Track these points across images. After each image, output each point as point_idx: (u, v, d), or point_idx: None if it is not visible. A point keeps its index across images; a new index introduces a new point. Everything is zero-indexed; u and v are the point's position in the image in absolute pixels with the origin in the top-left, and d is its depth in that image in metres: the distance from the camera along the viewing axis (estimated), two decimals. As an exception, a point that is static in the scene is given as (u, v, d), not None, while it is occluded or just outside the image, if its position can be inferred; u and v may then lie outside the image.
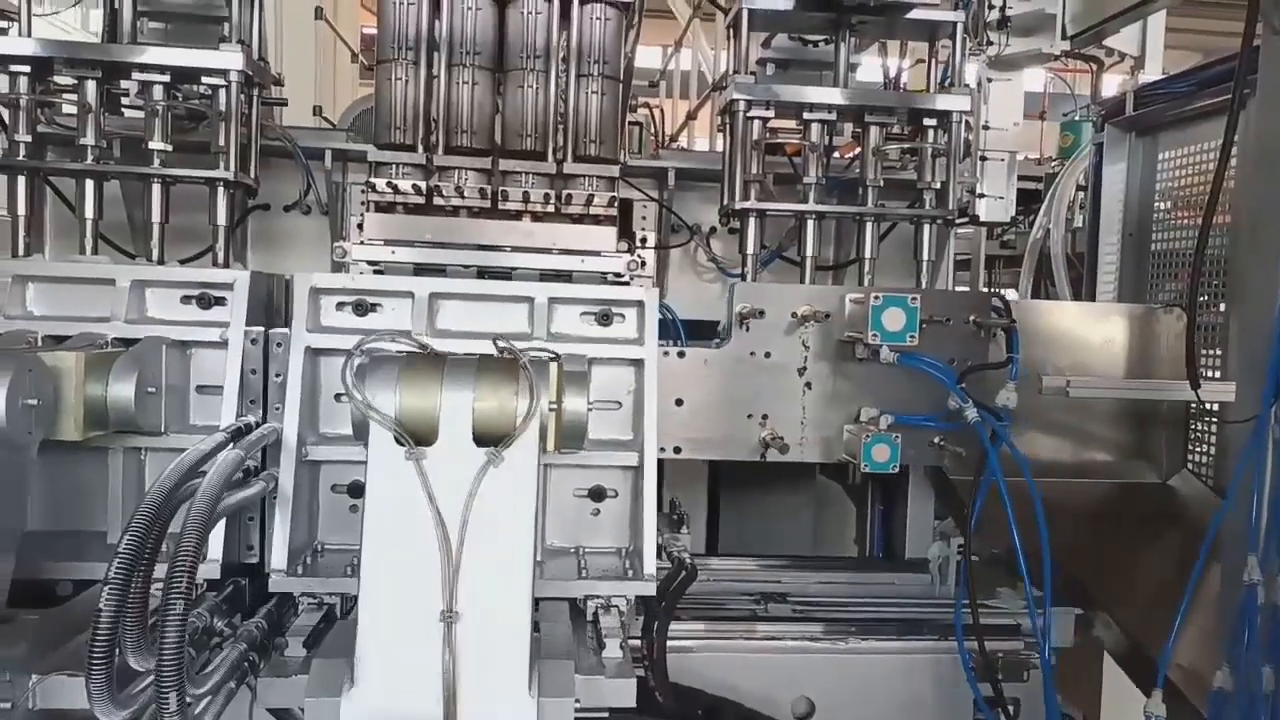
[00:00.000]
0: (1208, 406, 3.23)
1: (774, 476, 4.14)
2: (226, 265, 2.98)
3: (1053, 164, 6.61)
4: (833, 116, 3.16)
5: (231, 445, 2.28)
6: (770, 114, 3.12)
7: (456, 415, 2.15)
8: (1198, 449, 3.76)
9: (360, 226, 3.16)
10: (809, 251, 3.21)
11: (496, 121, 3.05)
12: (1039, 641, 2.80)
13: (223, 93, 2.92)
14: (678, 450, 3.00)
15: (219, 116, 2.93)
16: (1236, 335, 2.21)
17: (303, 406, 2.58)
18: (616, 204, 3.05)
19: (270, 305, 2.95)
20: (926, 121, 3.19)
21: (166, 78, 2.90)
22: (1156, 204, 4.24)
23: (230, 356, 2.62)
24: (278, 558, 2.48)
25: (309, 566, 2.57)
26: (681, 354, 3.02)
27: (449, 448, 2.14)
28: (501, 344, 2.33)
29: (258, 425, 2.58)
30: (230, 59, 2.90)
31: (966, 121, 3.50)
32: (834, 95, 3.15)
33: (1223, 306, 3.53)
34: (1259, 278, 2.12)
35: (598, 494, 2.79)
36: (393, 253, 2.91)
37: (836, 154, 3.43)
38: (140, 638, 1.82)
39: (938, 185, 3.24)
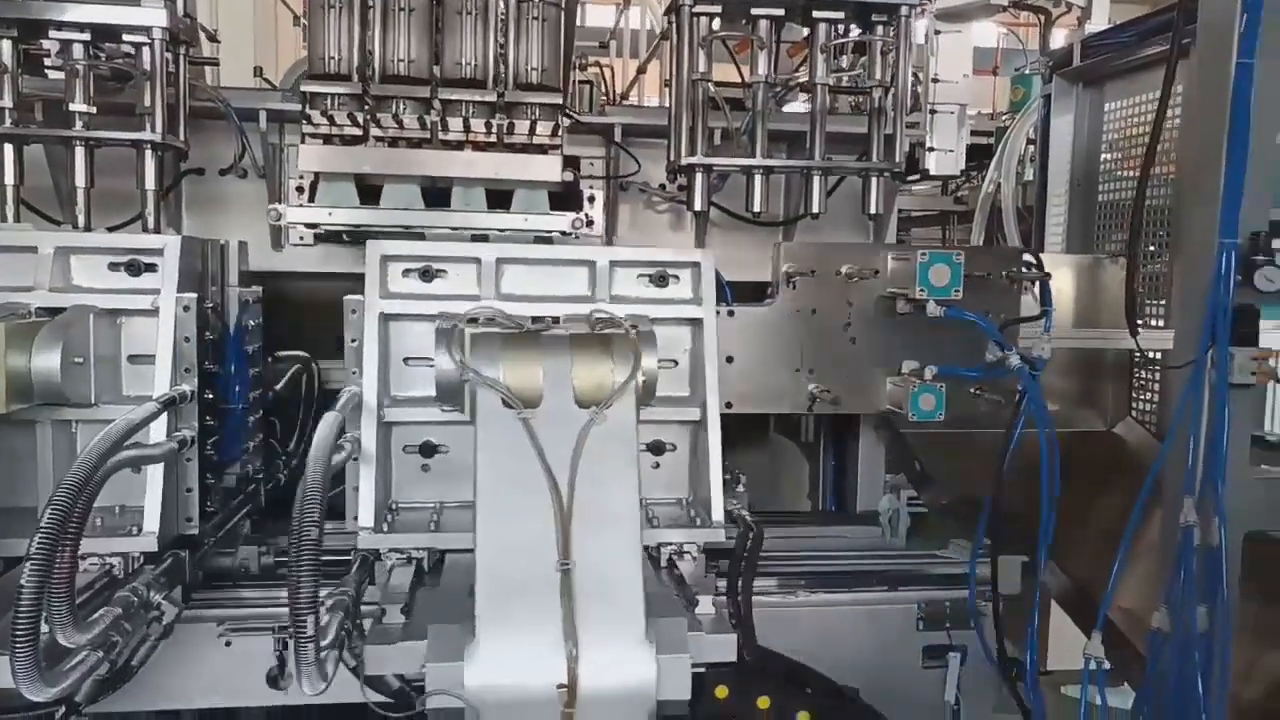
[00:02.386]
0: (1150, 355, 3.27)
1: (731, 434, 4.16)
2: (158, 231, 2.89)
3: (1004, 118, 6.60)
4: (780, 11, 3.07)
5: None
6: (717, 9, 3.04)
7: (559, 378, 2.25)
8: (1141, 397, 3.82)
9: (300, 190, 3.08)
10: (757, 206, 3.18)
11: (435, 51, 2.98)
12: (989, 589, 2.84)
13: (146, 51, 2.82)
14: (729, 405, 3.01)
15: (144, 76, 2.83)
16: (1177, 283, 2.21)
17: (379, 370, 2.65)
18: (562, 133, 2.99)
19: (206, 271, 2.88)
20: (875, 18, 3.14)
21: (86, 36, 2.79)
22: (1103, 155, 4.26)
23: (162, 325, 2.55)
24: (364, 516, 2.53)
25: (391, 524, 2.59)
26: (731, 313, 3.07)
27: (554, 408, 2.22)
28: (599, 314, 2.49)
29: (192, 395, 2.52)
30: (153, 15, 2.80)
31: (916, 74, 3.48)
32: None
33: (1167, 256, 3.57)
34: (1197, 226, 2.13)
35: (657, 448, 2.87)
36: (329, 215, 2.84)
37: (787, 49, 3.34)
38: (68, 614, 1.78)
39: (887, 131, 3.21)
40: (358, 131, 2.91)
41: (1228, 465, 2.03)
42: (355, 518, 2.61)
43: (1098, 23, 4.99)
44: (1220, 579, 2.00)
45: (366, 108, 2.89)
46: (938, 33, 4.40)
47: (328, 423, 2.19)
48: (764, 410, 3.25)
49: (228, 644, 2.57)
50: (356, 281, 3.93)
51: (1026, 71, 6.62)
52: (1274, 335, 2.39)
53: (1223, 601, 2.00)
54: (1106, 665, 2.41)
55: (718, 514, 2.63)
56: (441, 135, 2.97)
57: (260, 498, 3.25)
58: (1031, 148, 5.72)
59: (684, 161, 3.10)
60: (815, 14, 3.12)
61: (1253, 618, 2.73)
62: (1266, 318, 2.18)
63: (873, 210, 3.24)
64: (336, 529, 4.01)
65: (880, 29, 3.16)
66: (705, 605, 2.38)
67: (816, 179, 3.21)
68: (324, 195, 3.02)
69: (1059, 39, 6.09)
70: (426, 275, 2.74)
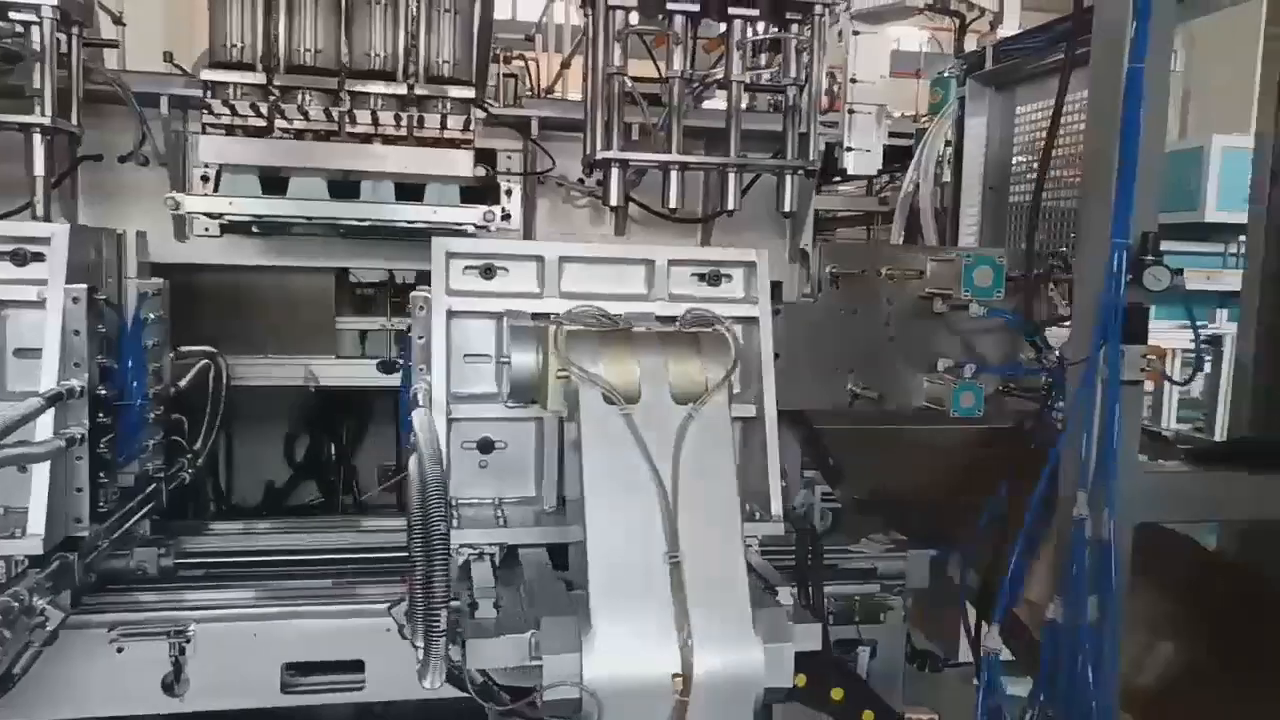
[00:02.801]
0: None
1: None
2: (48, 219, 2.78)
3: (925, 120, 6.72)
4: (695, 7, 3.06)
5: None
6: (632, 3, 3.02)
7: (655, 375, 2.30)
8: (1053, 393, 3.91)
9: (205, 179, 2.99)
10: (673, 203, 3.17)
11: (342, 40, 2.93)
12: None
13: (36, 30, 2.70)
14: None
15: (33, 57, 2.71)
16: (1076, 283, 2.27)
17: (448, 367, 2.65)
18: (474, 128, 2.95)
19: (100, 262, 2.77)
20: (790, 16, 3.15)
21: (-31, 14, 2.67)
22: (1014, 157, 4.35)
23: (49, 317, 2.45)
24: None
25: (460, 520, 2.59)
26: (777, 311, 3.06)
27: (653, 404, 2.27)
28: (693, 312, 2.55)
29: (81, 390, 2.42)
30: (43, -7, 2.68)
31: (833, 73, 3.50)
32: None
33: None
34: (1093, 227, 2.18)
35: None
36: (230, 204, 2.75)
37: (703, 45, 3.36)
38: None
39: (802, 129, 3.23)
40: (262, 123, 2.83)
41: (1118, 460, 2.07)
42: None
43: (1009, 28, 5.10)
44: (1111, 570, 2.04)
45: (271, 99, 2.82)
46: (856, 33, 4.47)
47: (425, 417, 2.22)
48: (808, 407, 3.33)
49: (120, 650, 2.48)
50: (267, 274, 3.89)
51: (945, 75, 6.77)
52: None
53: (1112, 592, 2.05)
54: (1006, 656, 2.46)
55: (776, 508, 2.66)
56: (349, 128, 2.90)
57: (162, 497, 3.15)
58: (949, 149, 5.84)
59: (599, 156, 3.08)
60: (731, 10, 3.11)
61: (1147, 607, 2.82)
62: (1159, 317, 2.25)
63: (787, 208, 3.26)
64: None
65: (795, 27, 3.18)
66: (784, 596, 2.41)
67: (732, 176, 3.22)
68: (228, 186, 2.93)
69: (972, 43, 6.22)
70: (488, 273, 2.73)
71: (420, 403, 2.40)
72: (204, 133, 2.83)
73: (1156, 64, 2.03)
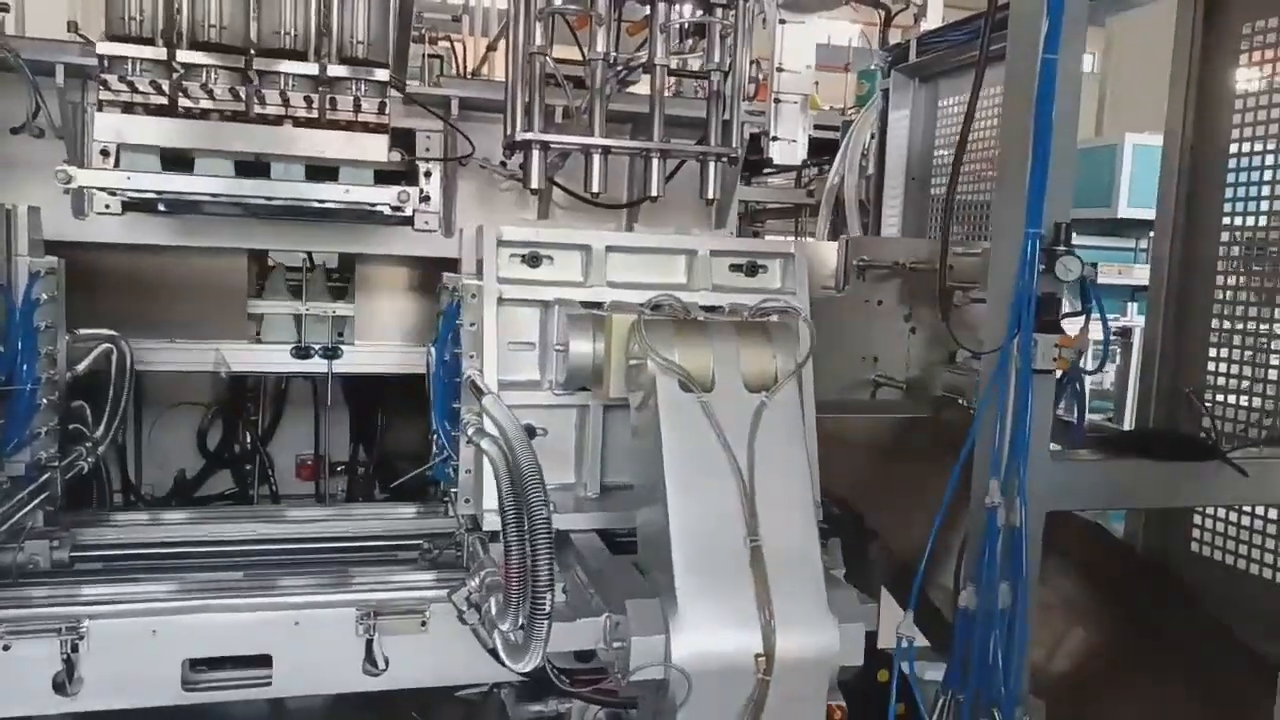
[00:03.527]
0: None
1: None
2: (-70, 192, 2.61)
3: (852, 112, 6.79)
4: None
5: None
6: None
7: (729, 365, 2.36)
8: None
9: (105, 153, 2.84)
10: (595, 187, 3.12)
11: (251, 16, 2.82)
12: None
13: (-84, -9, 2.53)
14: None
15: (-87, 19, 2.55)
16: (991, 273, 2.28)
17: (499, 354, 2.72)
18: (389, 111, 2.86)
19: (-12, 238, 2.62)
20: (714, 1, 3.12)
21: None
22: (937, 149, 4.41)
23: (-70, 296, 2.31)
24: (489, 499, 2.57)
25: None
26: None
27: (728, 391, 2.34)
28: (767, 304, 2.64)
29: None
30: (-80, -49, 2.52)
31: (759, 63, 3.48)
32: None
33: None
34: (1007, 218, 2.19)
35: None
36: (128, 179, 2.62)
37: (626, 28, 3.33)
38: None
39: (725, 116, 3.20)
40: (164, 101, 2.70)
41: (1030, 448, 2.09)
42: (467, 500, 2.77)
43: (933, 21, 5.17)
44: (1022, 557, 2.07)
45: (174, 75, 2.69)
46: (782, 22, 4.47)
47: (500, 404, 2.28)
48: (831, 396, 3.43)
49: (6, 648, 2.35)
50: (176, 255, 3.74)
51: (873, 67, 6.85)
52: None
53: (1024, 579, 2.08)
54: (922, 642, 2.48)
55: (816, 495, 2.66)
56: (258, 109, 2.79)
57: (56, 487, 3.00)
58: (874, 141, 5.90)
59: (520, 137, 3.02)
60: None
61: (1057, 592, 2.88)
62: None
63: (710, 195, 3.24)
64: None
65: (720, 12, 3.15)
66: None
67: (655, 161, 3.18)
68: (128, 164, 2.80)
69: (897, 37, 6.28)
70: (534, 261, 2.76)
71: (483, 389, 2.45)
72: (100, 109, 2.69)
73: (1069, 56, 2.05)
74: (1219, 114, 3.00)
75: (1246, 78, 2.95)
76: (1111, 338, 4.36)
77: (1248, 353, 2.91)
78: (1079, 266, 2.07)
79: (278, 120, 2.80)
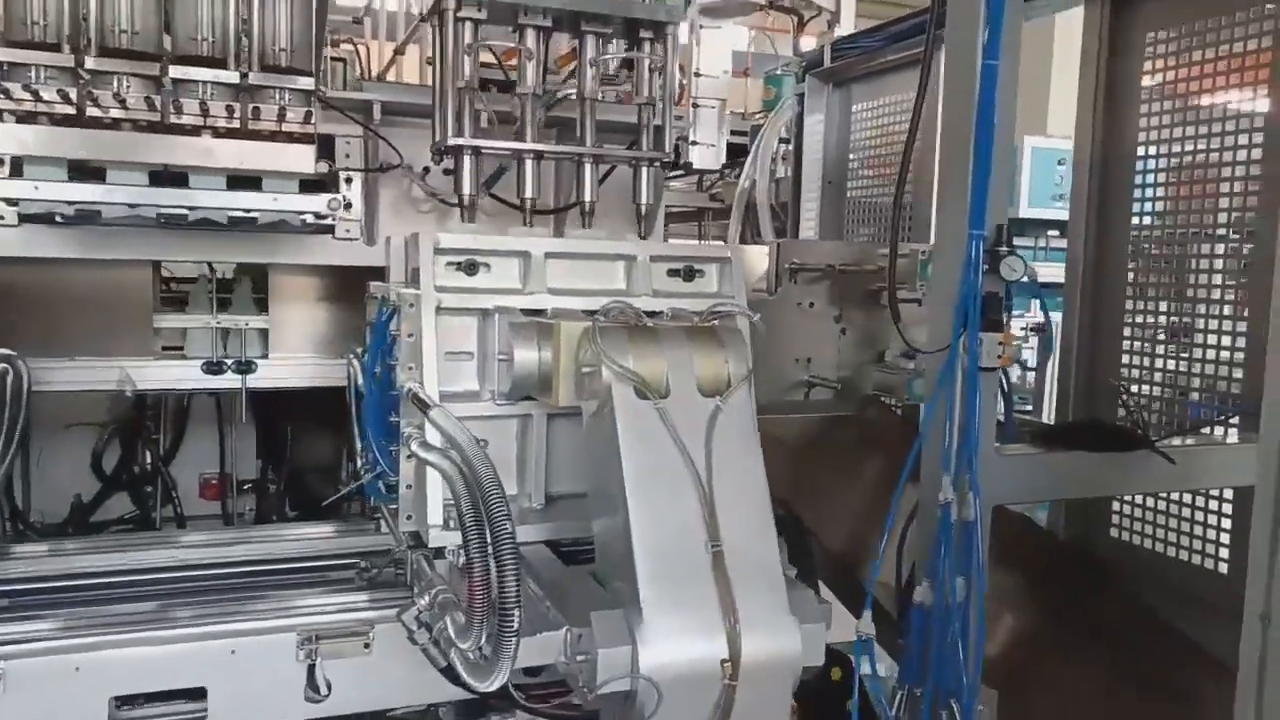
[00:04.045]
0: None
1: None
2: None
3: (757, 117, 6.88)
4: (549, 23, 2.99)
5: None
6: (483, 16, 2.91)
7: (683, 370, 2.36)
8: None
9: (0, 162, 2.66)
10: (528, 193, 3.08)
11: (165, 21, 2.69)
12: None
13: None
14: None
15: None
16: (934, 274, 2.34)
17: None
18: (315, 121, 2.76)
19: None
20: (643, 34, 3.12)
21: None
22: (851, 153, 4.51)
23: None
24: (434, 514, 2.53)
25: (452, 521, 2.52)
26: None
27: (683, 397, 2.34)
28: (719, 308, 2.64)
29: None
30: None
31: (680, 66, 3.48)
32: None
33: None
34: (950, 218, 2.24)
35: None
36: (36, 189, 2.46)
37: (553, 66, 3.29)
38: None
39: (656, 119, 3.20)
40: (71, 110, 2.54)
41: (979, 443, 2.15)
42: (409, 516, 2.68)
43: (846, 27, 5.28)
44: (975, 551, 2.12)
45: (82, 83, 2.53)
46: (700, 27, 4.50)
47: (451, 417, 2.25)
48: (763, 400, 3.42)
49: (-87, 696, 2.17)
50: (70, 267, 3.53)
51: (779, 73, 6.96)
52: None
53: (979, 571, 2.13)
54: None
55: None
56: (174, 118, 2.65)
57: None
58: (784, 146, 6.00)
59: (451, 142, 2.95)
60: (584, 27, 3.06)
61: (993, 584, 2.97)
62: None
63: (644, 200, 3.23)
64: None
65: (648, 46, 3.15)
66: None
67: (588, 167, 3.15)
68: (33, 171, 2.63)
69: (806, 44, 6.41)
70: (472, 269, 2.68)
71: (429, 401, 2.39)
72: (1, 120, 2.51)
73: (1008, 62, 2.11)
74: (1125, 118, 3.15)
75: (1149, 84, 3.10)
76: (1029, 334, 4.55)
77: (1159, 346, 3.06)
78: (1022, 266, 2.13)
79: (195, 130, 2.66)
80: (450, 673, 2.35)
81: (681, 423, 2.30)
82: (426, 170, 3.57)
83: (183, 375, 3.87)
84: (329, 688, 2.60)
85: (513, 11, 2.96)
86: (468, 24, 2.92)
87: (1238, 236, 2.88)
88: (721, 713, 2.13)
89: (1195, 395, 2.95)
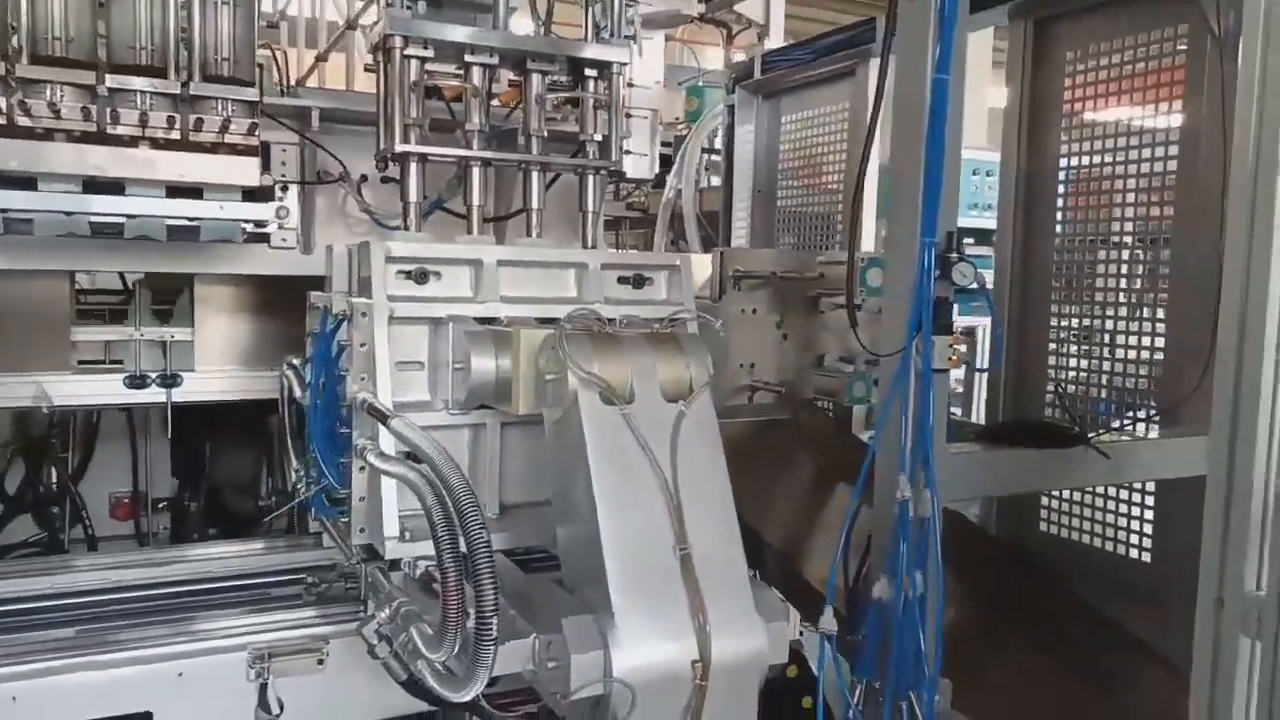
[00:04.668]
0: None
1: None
2: None
3: (680, 127, 6.95)
4: (495, 61, 3.02)
5: None
6: (429, 54, 2.92)
7: (647, 376, 2.38)
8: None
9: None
10: (475, 200, 3.07)
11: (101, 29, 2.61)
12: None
13: None
14: None
15: None
16: (888, 280, 2.41)
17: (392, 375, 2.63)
18: (258, 133, 2.70)
19: None
20: (588, 72, 3.16)
21: None
22: (781, 163, 4.60)
23: None
24: (390, 525, 2.53)
25: (412, 533, 2.55)
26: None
27: (647, 402, 2.36)
28: (680, 315, 2.70)
29: None
30: None
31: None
32: (495, 38, 3.02)
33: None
34: (902, 226, 2.32)
35: None
36: (-33, 197, 2.35)
37: (496, 101, 3.30)
38: None
39: (599, 138, 3.23)
40: (1, 120, 2.44)
41: (933, 443, 2.23)
42: (362, 529, 2.63)
43: (776, 40, 5.40)
44: (934, 546, 2.20)
45: (13, 92, 2.43)
46: (632, 38, 4.53)
47: (415, 428, 2.24)
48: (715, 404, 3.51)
49: None
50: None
51: (700, 84, 7.05)
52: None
53: (938, 566, 2.21)
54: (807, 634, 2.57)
55: None
56: (111, 129, 2.57)
57: None
58: (708, 155, 6.08)
59: (399, 149, 2.92)
60: (529, 65, 3.08)
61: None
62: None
63: (591, 207, 3.25)
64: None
65: (593, 85, 3.18)
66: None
67: (536, 174, 3.16)
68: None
69: (729, 56, 6.52)
70: (422, 277, 2.67)
71: (387, 412, 2.39)
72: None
73: (956, 76, 2.20)
74: (1048, 132, 3.30)
75: (1069, 99, 3.26)
76: (962, 336, 4.71)
77: (1084, 347, 3.21)
78: (972, 272, 2.22)
79: (133, 141, 2.57)
80: (412, 686, 2.32)
81: (646, 428, 2.33)
82: (364, 178, 3.53)
83: (103, 390, 3.74)
84: (281, 707, 2.54)
85: (458, 50, 2.97)
86: (413, 61, 2.90)
87: (1156, 244, 3.05)
88: (692, 713, 2.16)
89: (1119, 394, 3.11)
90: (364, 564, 2.69)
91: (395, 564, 2.60)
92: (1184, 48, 2.89)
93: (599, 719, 2.17)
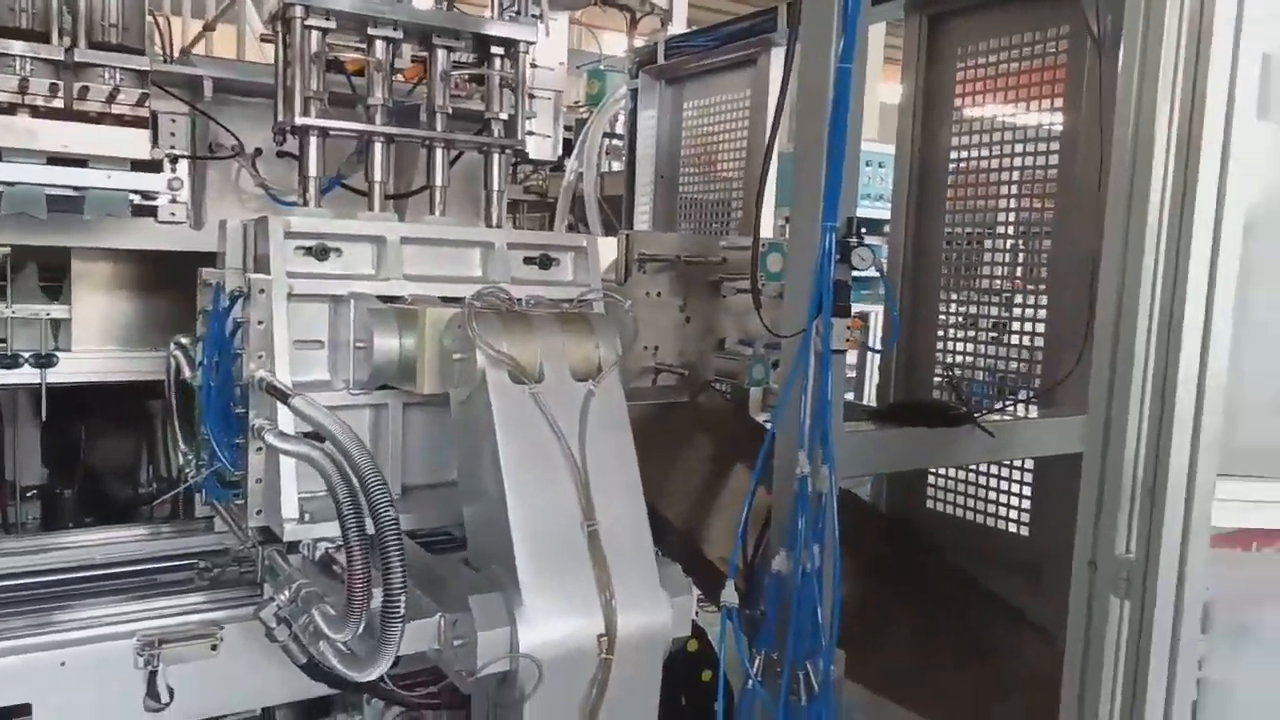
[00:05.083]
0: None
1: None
2: None
3: (581, 109, 6.94)
4: (399, 35, 2.96)
5: None
6: (331, 25, 2.84)
7: (556, 355, 2.38)
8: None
9: None
10: (378, 176, 3.01)
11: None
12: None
13: None
14: None
15: None
16: (791, 264, 2.48)
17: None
18: (149, 104, 2.59)
19: None
20: (494, 49, 3.13)
21: None
22: (683, 149, 4.65)
23: None
24: (289, 507, 2.49)
25: (312, 515, 2.51)
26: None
27: (556, 382, 2.37)
28: (587, 296, 2.73)
29: None
30: None
31: (528, 53, 3.49)
32: (401, 11, 2.97)
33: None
34: (805, 211, 2.38)
35: None
36: None
37: (399, 77, 3.25)
38: None
39: (505, 116, 3.21)
40: None
41: (830, 420, 2.30)
42: (259, 511, 2.60)
43: (679, 26, 5.43)
44: (831, 520, 2.28)
45: None
46: (537, 17, 4.50)
47: (318, 406, 2.20)
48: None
49: None
50: None
51: (601, 67, 7.05)
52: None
53: (835, 540, 2.29)
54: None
55: None
56: (-12, 96, 2.42)
57: None
58: (608, 140, 6.10)
59: (298, 122, 2.84)
60: (435, 40, 3.04)
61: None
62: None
63: (496, 187, 3.22)
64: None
65: (499, 62, 3.15)
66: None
67: (440, 151, 3.12)
68: None
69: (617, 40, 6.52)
70: (322, 254, 2.62)
71: (286, 391, 2.35)
72: None
73: (858, 66, 2.27)
74: (940, 124, 3.43)
75: (961, 93, 3.39)
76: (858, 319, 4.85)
77: (970, 332, 3.36)
78: (871, 256, 2.30)
79: (11, 109, 2.44)
80: (313, 669, 2.29)
81: (555, 407, 2.34)
82: (259, 152, 3.42)
83: (-36, 370, 3.53)
84: (171, 695, 2.46)
85: (361, 22, 2.90)
86: (314, 32, 2.83)
87: (1037, 236, 3.21)
88: (598, 687, 2.19)
89: (1002, 377, 3.27)
90: (260, 547, 2.62)
91: (294, 546, 2.55)
92: (1065, 49, 3.05)
93: (505, 695, 2.18)
